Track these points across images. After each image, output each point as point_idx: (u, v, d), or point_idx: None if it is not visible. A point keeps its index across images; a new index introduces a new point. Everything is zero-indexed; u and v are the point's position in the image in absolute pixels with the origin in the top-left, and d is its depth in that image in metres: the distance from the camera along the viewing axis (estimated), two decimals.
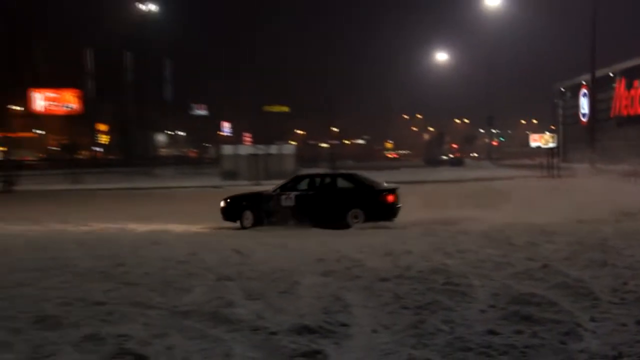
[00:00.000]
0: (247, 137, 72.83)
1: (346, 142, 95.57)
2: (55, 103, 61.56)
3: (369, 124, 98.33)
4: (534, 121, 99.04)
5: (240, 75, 76.94)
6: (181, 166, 55.81)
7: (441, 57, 71.30)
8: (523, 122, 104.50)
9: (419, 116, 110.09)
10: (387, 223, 14.09)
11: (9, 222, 16.51)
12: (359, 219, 14.26)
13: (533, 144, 65.38)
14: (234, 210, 15.16)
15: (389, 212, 14.49)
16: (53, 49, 58.58)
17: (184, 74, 75.28)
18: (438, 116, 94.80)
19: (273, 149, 38.04)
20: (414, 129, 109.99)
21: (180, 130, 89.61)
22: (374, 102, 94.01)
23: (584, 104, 52.85)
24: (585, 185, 20.14)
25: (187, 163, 63.84)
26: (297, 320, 5.96)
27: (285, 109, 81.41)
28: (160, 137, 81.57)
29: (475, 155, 75.55)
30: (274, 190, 15.23)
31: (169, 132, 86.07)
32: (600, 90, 45.26)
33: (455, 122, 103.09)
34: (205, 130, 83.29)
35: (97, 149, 74.10)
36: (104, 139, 76.84)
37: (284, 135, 59.18)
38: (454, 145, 73.97)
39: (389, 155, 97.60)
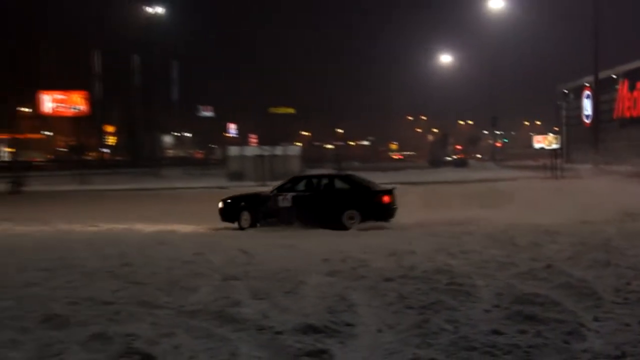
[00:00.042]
0: (253, 139, 72.99)
1: (351, 143, 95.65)
2: (63, 105, 61.87)
3: (373, 125, 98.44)
4: (538, 123, 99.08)
5: (245, 77, 77.21)
6: (188, 167, 55.99)
7: (445, 59, 71.29)
8: (526, 123, 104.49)
9: (423, 117, 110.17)
10: (392, 224, 14.11)
11: (18, 222, 16.62)
12: (354, 220, 14.27)
13: (536, 145, 65.51)
14: (232, 211, 15.21)
15: (385, 212, 14.49)
16: (61, 51, 58.94)
17: (191, 75, 75.57)
18: (442, 118, 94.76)
19: (278, 150, 38.12)
20: (418, 130, 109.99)
21: (186, 132, 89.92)
22: (379, 103, 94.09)
23: (587, 106, 53.07)
24: (589, 186, 20.13)
25: (193, 164, 64.00)
26: (302, 319, 5.99)
27: (290, 110, 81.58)
28: (167, 139, 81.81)
29: (479, 156, 75.45)
30: (272, 191, 15.32)
31: (176, 134, 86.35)
32: (603, 92, 45.41)
33: (459, 123, 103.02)
34: (212, 132, 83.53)
35: (105, 150, 74.42)
36: (111, 140, 77.20)
37: (290, 137, 59.23)
38: (458, 147, 73.86)
39: (394, 157, 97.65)
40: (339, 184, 15.34)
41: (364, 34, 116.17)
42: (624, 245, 9.96)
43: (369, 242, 11.32)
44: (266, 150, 37.97)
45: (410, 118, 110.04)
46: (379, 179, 29.79)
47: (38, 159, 64.13)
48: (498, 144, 71.28)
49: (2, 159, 62.70)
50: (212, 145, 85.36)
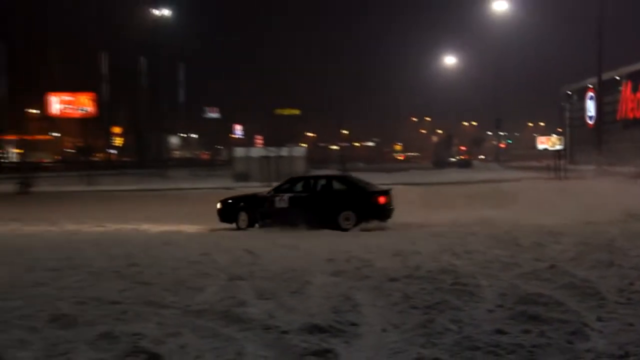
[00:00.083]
0: (259, 140, 73.11)
1: (356, 144, 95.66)
2: (70, 106, 62.12)
3: (378, 126, 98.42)
4: (541, 124, 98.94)
5: (252, 79, 77.30)
6: (194, 168, 56.13)
7: (449, 60, 71.26)
8: (530, 124, 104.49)
9: (427, 119, 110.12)
10: (396, 224, 14.13)
11: (26, 222, 16.74)
12: (350, 221, 14.28)
13: (540, 146, 65.42)
14: (229, 211, 15.28)
15: (381, 213, 14.49)
16: (69, 53, 59.23)
17: (197, 77, 75.73)
18: (446, 119, 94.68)
19: (284, 151, 38.20)
20: (423, 131, 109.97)
21: (193, 133, 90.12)
22: (383, 105, 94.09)
23: (591, 107, 53.31)
24: (592, 186, 20.16)
25: (200, 165, 64.17)
26: (307, 319, 6.03)
27: (296, 111, 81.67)
28: (174, 140, 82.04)
29: (482, 157, 75.32)
30: (269, 192, 15.38)
31: (182, 135, 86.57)
32: (606, 94, 45.53)
33: (463, 124, 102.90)
34: (218, 133, 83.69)
35: (112, 151, 74.69)
36: (118, 141, 77.47)
37: (295, 138, 59.30)
38: (462, 148, 73.75)
39: (399, 157, 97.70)
40: (335, 185, 15.39)
41: (368, 36, 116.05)
42: (627, 245, 10.00)
43: (373, 242, 11.36)
44: (272, 151, 38.06)
45: (414, 119, 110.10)
46: (383, 179, 29.91)
47: (46, 160, 64.42)
48: (502, 145, 71.20)
49: (11, 160, 63.09)
50: (218, 147, 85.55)
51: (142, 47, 61.97)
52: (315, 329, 5.73)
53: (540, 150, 62.79)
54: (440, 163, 58.44)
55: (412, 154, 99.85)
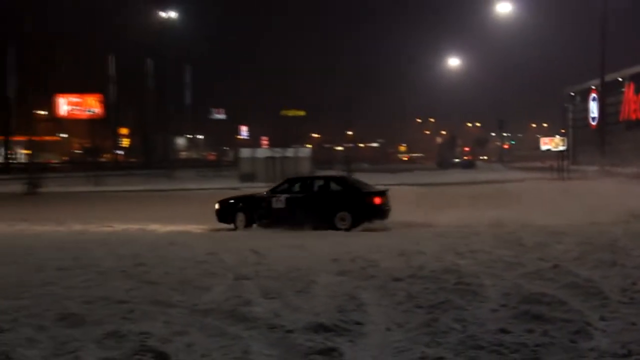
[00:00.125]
0: (264, 141, 73.23)
1: (361, 145, 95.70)
2: (78, 107, 62.42)
3: (382, 127, 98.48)
4: (544, 125, 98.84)
5: (257, 80, 77.40)
6: (201, 169, 56.26)
7: (453, 62, 71.24)
8: (534, 125, 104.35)
9: (431, 120, 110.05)
10: (399, 224, 14.17)
11: (34, 222, 16.86)
12: (346, 221, 14.34)
13: (543, 147, 65.45)
14: (227, 212, 15.38)
15: (376, 214, 14.54)
16: (77, 55, 59.56)
17: (203, 79, 75.88)
18: (450, 120, 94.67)
19: (289, 152, 38.33)
20: (427, 132, 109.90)
21: (199, 134, 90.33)
22: (388, 106, 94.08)
23: (594, 108, 53.48)
24: (595, 187, 20.14)
25: (206, 166, 64.31)
26: (313, 318, 6.07)
27: (301, 113, 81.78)
28: (180, 141, 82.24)
29: (484, 157, 75.21)
30: (266, 193, 15.46)
31: (188, 136, 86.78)
32: (609, 95, 45.69)
33: (467, 125, 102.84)
34: (224, 134, 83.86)
35: (119, 152, 74.96)
36: (125, 142, 77.75)
37: (300, 139, 59.48)
38: (466, 149, 73.68)
39: (403, 158, 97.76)
40: (331, 185, 15.49)
41: (372, 37, 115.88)
42: (630, 245, 10.02)
43: (378, 242, 11.41)
44: (277, 152, 38.21)
45: (419, 120, 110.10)
46: (387, 180, 29.96)
47: (54, 161, 64.73)
48: (505, 146, 71.09)
49: (19, 161, 63.44)
50: (225, 148, 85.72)
51: (149, 49, 62.18)
52: (320, 328, 5.77)
53: (543, 151, 62.86)
54: (444, 164, 58.45)
55: (416, 154, 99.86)
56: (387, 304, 6.66)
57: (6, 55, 58.61)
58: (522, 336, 5.41)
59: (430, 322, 5.88)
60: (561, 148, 54.26)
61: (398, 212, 15.41)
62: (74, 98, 62.53)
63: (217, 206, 15.63)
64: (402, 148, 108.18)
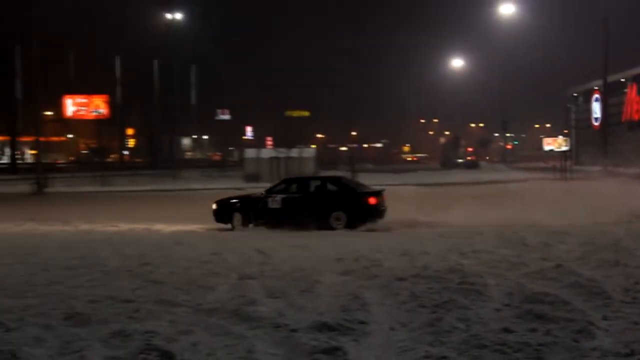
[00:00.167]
0: (269, 141, 73.39)
1: (365, 145, 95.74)
2: (85, 108, 62.70)
3: (386, 127, 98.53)
4: (548, 125, 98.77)
5: (262, 81, 77.60)
6: (206, 169, 56.37)
7: (457, 63, 71.21)
8: (537, 126, 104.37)
9: (435, 120, 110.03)
10: (402, 224, 14.19)
11: (41, 222, 16.93)
12: (341, 221, 14.40)
13: (546, 148, 65.37)
14: (224, 212, 15.46)
15: (371, 214, 14.59)
16: (84, 56, 59.85)
17: (209, 79, 76.02)
18: (454, 120, 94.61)
19: (294, 152, 38.40)
20: (431, 132, 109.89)
21: (205, 135, 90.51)
22: (392, 106, 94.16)
23: (596, 109, 53.72)
24: (598, 187, 20.16)
25: (211, 166, 64.43)
26: (317, 318, 6.10)
27: (305, 113, 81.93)
28: (186, 141, 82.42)
29: (487, 158, 75.12)
30: (262, 193, 15.54)
31: (194, 136, 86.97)
32: (612, 95, 45.81)
33: (470, 126, 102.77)
34: (229, 134, 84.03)
35: (125, 152, 75.21)
36: (131, 142, 78.01)
37: (305, 139, 59.61)
38: (469, 149, 73.61)
39: (409, 158, 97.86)
40: (327, 186, 15.58)
41: (376, 38, 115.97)
42: (633, 245, 10.02)
43: (381, 242, 11.42)
44: (282, 153, 38.30)
45: (422, 121, 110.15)
46: (391, 180, 29.97)
47: (60, 161, 65.00)
48: (508, 146, 71.03)
49: (26, 161, 63.73)
50: (230, 148, 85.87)
51: (154, 50, 62.38)
52: (324, 327, 5.80)
53: (546, 152, 62.83)
54: (448, 164, 58.40)
55: (420, 155, 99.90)
56: (391, 304, 6.68)
57: (13, 56, 58.96)
58: (525, 335, 5.43)
59: (433, 322, 5.90)
60: (564, 148, 54.31)
61: (402, 212, 15.48)
62: (81, 99, 62.81)
63: (214, 206, 15.73)
64: (406, 148, 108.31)
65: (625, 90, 49.40)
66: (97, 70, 61.30)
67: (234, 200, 15.92)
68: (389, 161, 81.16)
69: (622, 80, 48.62)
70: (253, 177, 36.52)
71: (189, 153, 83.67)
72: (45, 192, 31.84)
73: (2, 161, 69.65)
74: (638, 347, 5.14)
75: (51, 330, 5.95)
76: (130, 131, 76.66)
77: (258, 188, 24.59)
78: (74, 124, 66.65)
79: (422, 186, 26.68)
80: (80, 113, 62.79)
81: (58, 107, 62.42)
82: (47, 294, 7.53)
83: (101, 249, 11.33)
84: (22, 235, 14.30)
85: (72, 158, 70.64)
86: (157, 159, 66.60)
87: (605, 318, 5.94)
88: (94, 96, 62.72)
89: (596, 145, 42.48)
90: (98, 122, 63.20)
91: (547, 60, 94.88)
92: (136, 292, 7.50)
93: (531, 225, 12.93)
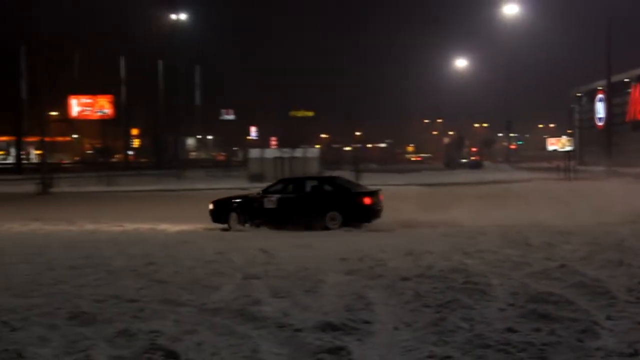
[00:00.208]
0: (273, 141, 73.42)
1: (369, 145, 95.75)
2: (89, 108, 62.82)
3: (390, 127, 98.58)
4: (551, 125, 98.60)
5: (266, 81, 77.67)
6: (210, 169, 56.45)
7: (461, 63, 71.15)
8: (540, 126, 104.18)
9: (439, 120, 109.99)
10: (405, 224, 14.21)
11: (46, 222, 16.97)
12: (336, 221, 14.41)
13: (550, 148, 65.30)
14: (221, 212, 15.49)
15: (366, 214, 14.62)
16: (89, 56, 60.01)
17: (213, 79, 76.13)
18: (458, 121, 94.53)
19: (298, 152, 38.42)
20: (435, 133, 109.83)
21: (209, 135, 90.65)
22: (396, 106, 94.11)
23: (600, 109, 53.78)
24: (602, 187, 20.17)
25: (215, 166, 64.52)
26: (321, 317, 6.11)
27: (309, 113, 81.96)
28: (190, 141, 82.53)
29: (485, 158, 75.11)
30: (259, 193, 15.58)
31: (198, 136, 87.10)
32: (615, 96, 45.84)
33: (474, 126, 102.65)
34: (233, 134, 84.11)
35: (129, 152, 75.40)
36: (135, 142, 78.20)
37: (309, 139, 59.68)
38: (473, 149, 73.51)
39: (413, 158, 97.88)
40: (322, 186, 15.65)
41: (379, 38, 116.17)
42: (637, 245, 10.01)
43: (386, 242, 11.43)
44: (286, 153, 38.33)
45: (426, 121, 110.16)
46: (395, 180, 29.95)
47: (65, 161, 65.19)
48: (512, 147, 70.94)
49: (31, 161, 63.95)
50: (234, 148, 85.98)
51: (159, 50, 62.52)
52: (328, 326, 5.81)
53: (550, 152, 62.81)
54: (452, 164, 58.38)
55: (424, 155, 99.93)
56: (395, 303, 6.69)
57: (19, 57, 59.17)
58: (529, 335, 5.44)
59: (437, 321, 5.91)
60: (568, 148, 54.22)
61: (405, 212, 15.50)
62: (86, 99, 62.94)
63: (211, 206, 15.79)
64: (410, 148, 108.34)
65: (629, 90, 49.56)
66: (102, 70, 61.45)
67: (231, 201, 15.96)
68: (392, 161, 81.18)
69: (626, 80, 48.70)
70: (257, 177, 36.53)
71: (193, 153, 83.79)
72: (51, 192, 31.95)
73: (7, 161, 69.96)
74: None
75: (56, 330, 5.98)
76: (134, 131, 76.82)
77: (262, 188, 24.71)
78: (79, 124, 66.81)
79: (426, 186, 26.69)
80: (85, 113, 62.93)
81: (63, 107, 62.55)
82: (53, 293, 7.57)
83: (106, 248, 11.36)
84: (27, 235, 14.35)
85: (77, 158, 70.88)
86: (162, 159, 66.70)
87: (609, 318, 5.94)
88: (98, 96, 62.85)
89: (600, 145, 42.53)
90: (103, 122, 63.33)
91: (551, 61, 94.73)
92: (141, 292, 7.53)
93: (535, 225, 12.92)
